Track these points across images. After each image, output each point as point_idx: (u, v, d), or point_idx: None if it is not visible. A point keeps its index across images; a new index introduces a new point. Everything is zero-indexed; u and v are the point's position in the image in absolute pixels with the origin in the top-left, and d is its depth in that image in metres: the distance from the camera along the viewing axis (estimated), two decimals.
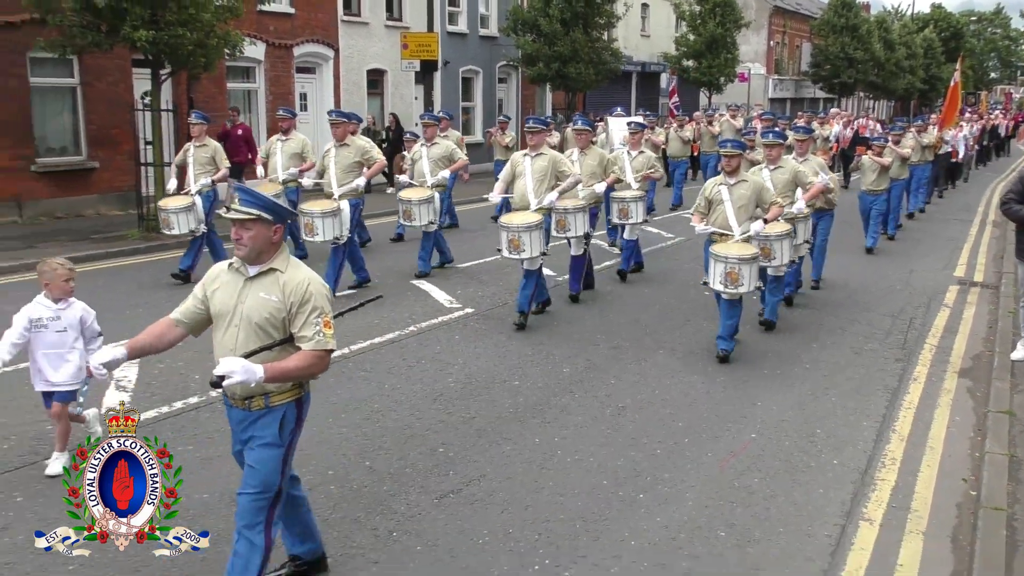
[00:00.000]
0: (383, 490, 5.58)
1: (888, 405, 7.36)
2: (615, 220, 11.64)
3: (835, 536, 5.14)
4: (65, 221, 15.89)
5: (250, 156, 16.56)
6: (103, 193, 17.01)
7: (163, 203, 11.32)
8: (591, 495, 5.59)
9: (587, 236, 10.26)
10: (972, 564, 4.78)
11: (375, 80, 23.68)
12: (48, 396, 5.72)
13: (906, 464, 6.17)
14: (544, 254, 9.31)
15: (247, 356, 3.85)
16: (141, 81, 17.47)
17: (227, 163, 11.62)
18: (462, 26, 26.33)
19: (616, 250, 13.09)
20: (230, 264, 4.11)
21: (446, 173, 12.01)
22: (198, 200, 11.18)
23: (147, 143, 17.31)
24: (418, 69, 22.14)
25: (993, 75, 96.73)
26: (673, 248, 14.44)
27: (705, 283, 8.49)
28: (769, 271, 9.31)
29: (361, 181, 10.64)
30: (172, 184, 11.67)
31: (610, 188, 11.20)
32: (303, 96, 21.69)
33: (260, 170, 12.58)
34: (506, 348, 8.70)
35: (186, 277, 11.03)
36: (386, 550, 4.87)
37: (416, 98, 24.57)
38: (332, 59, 22.05)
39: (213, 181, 11.36)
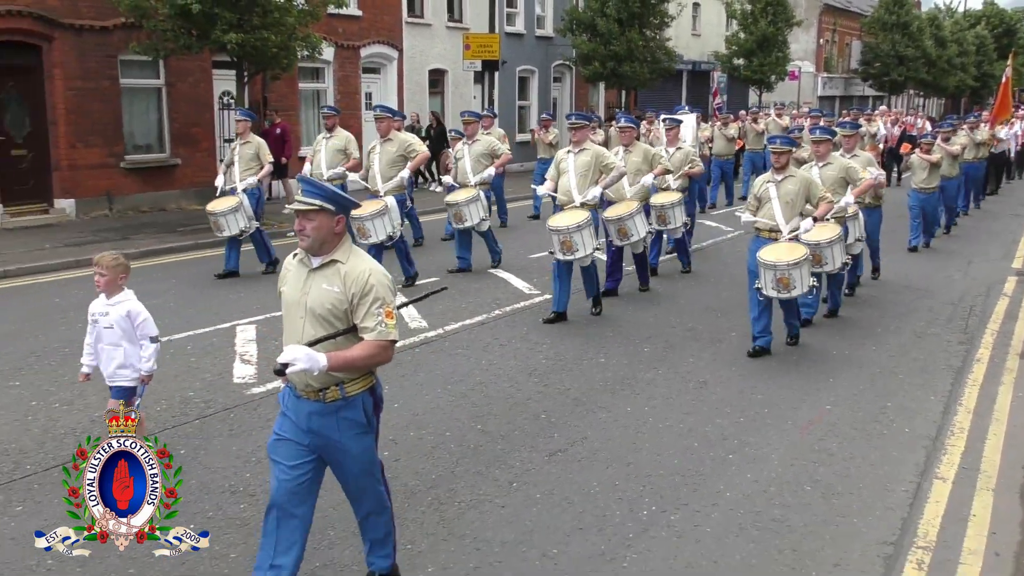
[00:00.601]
0: (498, 448, 6.21)
1: (953, 382, 7.85)
2: (654, 226, 11.42)
3: (911, 491, 5.68)
4: (150, 215, 16.77)
5: (285, 155, 16.98)
6: (184, 188, 17.89)
7: (211, 207, 11.40)
8: (685, 455, 6.18)
9: (646, 236, 10.45)
10: None
11: (436, 80, 24.40)
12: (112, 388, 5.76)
13: (973, 432, 6.68)
14: (597, 249, 9.45)
15: (310, 345, 3.88)
16: (220, 82, 18.43)
17: (270, 159, 11.82)
18: (519, 27, 26.99)
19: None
20: (295, 255, 4.16)
21: (491, 171, 11.90)
22: (244, 198, 11.31)
23: (226, 141, 18.28)
24: (479, 69, 22.77)
25: None
26: (732, 241, 14.93)
27: (758, 288, 8.39)
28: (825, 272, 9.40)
29: (405, 173, 10.74)
30: (220, 180, 11.90)
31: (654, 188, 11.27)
32: (368, 95, 22.43)
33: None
34: (587, 330, 9.30)
35: (274, 264, 11.62)
36: (510, 497, 5.50)
37: (475, 97, 25.28)
38: (396, 59, 22.80)
39: (259, 180, 11.59)
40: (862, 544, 5.02)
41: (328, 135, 12.18)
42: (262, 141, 11.90)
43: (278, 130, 17.40)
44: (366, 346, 3.93)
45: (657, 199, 11.39)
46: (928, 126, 28.53)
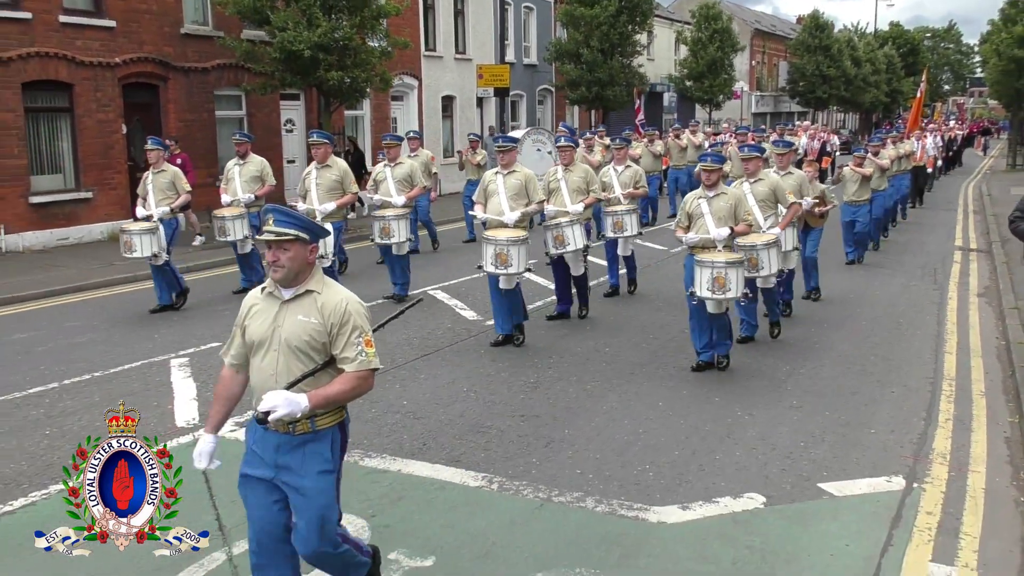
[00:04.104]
0: (657, 359, 9.38)
1: (939, 309, 11.63)
2: (610, 234, 11.85)
3: (933, 359, 9.29)
4: None
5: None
6: None
7: (126, 225, 11.34)
8: (781, 352, 9.67)
9: (585, 249, 10.47)
10: (1015, 374, 8.87)
11: (446, 105, 27.78)
12: None
13: (960, 330, 10.43)
14: (528, 269, 9.61)
15: (289, 386, 3.81)
16: (284, 111, 21.55)
17: (187, 188, 11.53)
18: (511, 56, 30.52)
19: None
20: (263, 288, 4.05)
21: (407, 196, 11.72)
22: (161, 227, 11.14)
23: (288, 162, 21.39)
24: (492, 96, 26.18)
25: (946, 87, 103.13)
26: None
27: (692, 293, 8.54)
28: (758, 282, 9.62)
29: (331, 206, 10.83)
30: (140, 212, 11.44)
31: (599, 205, 11.66)
32: (394, 120, 25.70)
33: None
34: (652, 311, 12.77)
35: (184, 295, 11.67)
36: (685, 377, 8.75)
37: (477, 120, 28.73)
38: (416, 88, 26.14)
39: (172, 209, 11.33)
40: (911, 385, 8.57)
41: (241, 162, 12.15)
42: (177, 170, 11.65)
43: (178, 161, 16.46)
44: (347, 379, 3.88)
45: (613, 207, 11.77)
46: (835, 140, 30.72)
